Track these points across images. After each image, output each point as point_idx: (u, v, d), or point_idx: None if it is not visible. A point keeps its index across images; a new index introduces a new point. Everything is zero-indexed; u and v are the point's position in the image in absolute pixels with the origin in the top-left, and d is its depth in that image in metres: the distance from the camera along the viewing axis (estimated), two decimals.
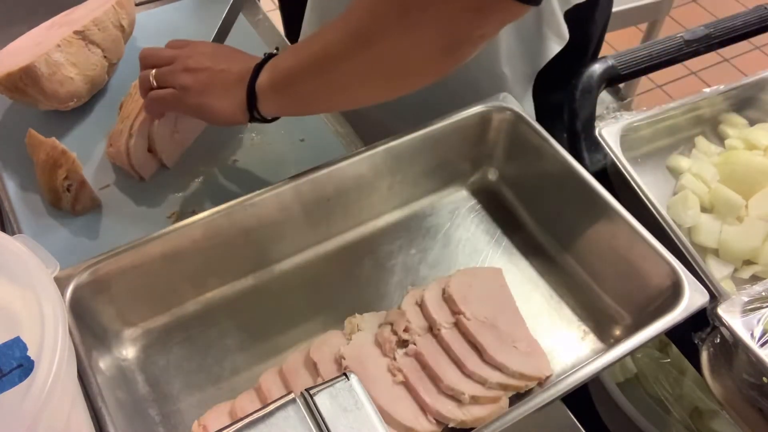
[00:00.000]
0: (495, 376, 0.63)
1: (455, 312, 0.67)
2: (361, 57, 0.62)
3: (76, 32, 0.85)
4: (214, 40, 0.87)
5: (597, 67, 0.85)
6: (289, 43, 1.03)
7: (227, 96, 0.70)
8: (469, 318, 0.66)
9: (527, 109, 0.92)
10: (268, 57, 0.69)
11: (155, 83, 0.74)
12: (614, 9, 0.99)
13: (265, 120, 0.71)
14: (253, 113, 0.70)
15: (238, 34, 1.03)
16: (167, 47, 0.77)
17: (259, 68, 0.68)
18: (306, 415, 0.41)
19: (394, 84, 0.66)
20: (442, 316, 0.67)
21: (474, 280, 0.71)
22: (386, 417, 0.60)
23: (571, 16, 0.85)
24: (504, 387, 0.63)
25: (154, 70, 0.74)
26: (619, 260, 0.71)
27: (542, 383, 0.64)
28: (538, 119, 0.79)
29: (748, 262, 0.81)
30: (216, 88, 0.70)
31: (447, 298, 0.68)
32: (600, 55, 0.90)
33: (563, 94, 0.86)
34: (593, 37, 0.94)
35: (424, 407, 0.61)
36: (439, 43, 0.59)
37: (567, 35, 0.85)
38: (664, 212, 0.76)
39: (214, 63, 0.71)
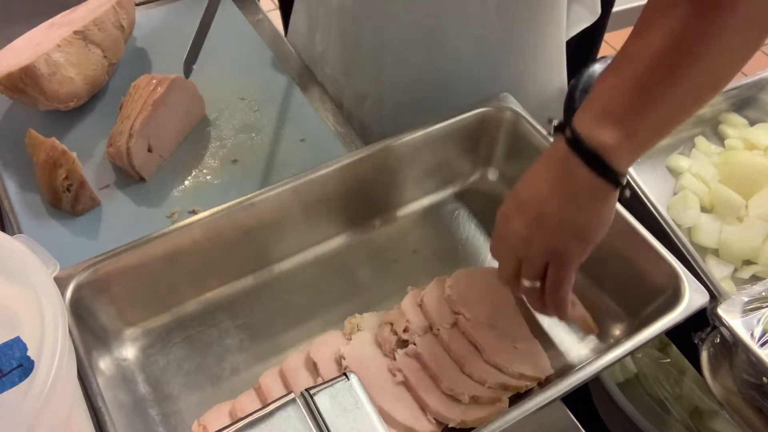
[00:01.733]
0: (495, 376, 0.63)
1: (455, 312, 0.67)
2: (707, 53, 0.52)
3: (76, 32, 0.85)
4: (191, 47, 0.85)
5: (597, 67, 0.85)
6: (289, 44, 1.03)
7: (580, 206, 0.56)
8: (468, 318, 0.66)
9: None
10: (560, 129, 0.57)
11: (537, 283, 0.61)
12: (614, 9, 0.99)
13: (624, 183, 0.57)
14: (614, 180, 0.55)
15: (238, 34, 1.03)
16: (500, 255, 0.63)
17: (576, 143, 0.54)
18: (306, 415, 0.41)
19: (734, 66, 0.55)
20: (442, 316, 0.67)
21: (474, 281, 0.71)
22: (386, 417, 0.60)
23: None
24: (504, 387, 0.63)
25: (525, 281, 0.61)
26: (619, 260, 0.71)
27: (542, 383, 0.64)
28: None
29: (748, 262, 0.81)
30: (568, 217, 0.57)
31: (447, 299, 0.68)
32: (600, 55, 0.90)
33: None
34: (600, 29, 0.94)
35: (424, 407, 0.61)
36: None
37: (599, 10, 0.85)
38: (664, 212, 0.76)
39: (537, 208, 0.58)
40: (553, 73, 0.89)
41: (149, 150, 0.81)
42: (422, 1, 0.81)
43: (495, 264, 0.75)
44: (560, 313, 0.62)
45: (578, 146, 0.54)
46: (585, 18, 0.85)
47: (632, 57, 0.54)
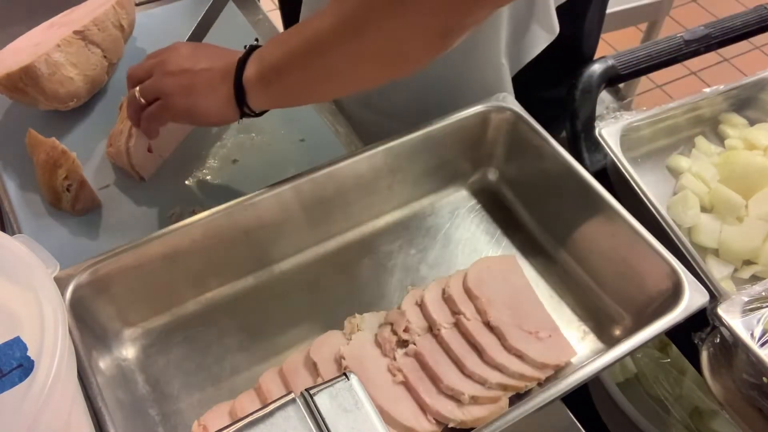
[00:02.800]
0: (495, 377, 0.63)
1: (455, 312, 0.67)
2: (353, 44, 0.61)
3: (76, 32, 0.85)
4: (189, 40, 0.87)
5: (597, 67, 0.85)
6: None
7: (214, 94, 0.68)
8: (469, 318, 0.66)
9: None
10: (251, 49, 0.68)
11: (143, 100, 0.72)
12: (614, 9, 0.99)
13: (255, 114, 0.70)
14: (243, 108, 0.69)
15: (238, 34, 1.03)
16: (146, 59, 0.75)
17: (243, 62, 0.67)
18: (306, 415, 0.41)
19: (386, 70, 0.65)
20: (442, 316, 0.67)
21: (492, 268, 0.71)
22: (386, 417, 0.60)
23: (564, 10, 0.85)
24: (504, 387, 0.63)
25: (137, 87, 0.73)
26: (619, 260, 0.71)
27: (542, 383, 0.64)
28: (532, 114, 0.79)
29: (748, 262, 0.81)
30: (200, 88, 0.69)
31: (466, 289, 0.68)
32: (600, 55, 0.89)
33: (560, 92, 0.86)
34: (587, 33, 0.94)
35: (423, 407, 0.61)
36: (432, 29, 0.58)
37: (557, 29, 0.85)
38: (664, 212, 0.76)
39: (193, 63, 0.70)
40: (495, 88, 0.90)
41: (149, 150, 0.81)
42: None
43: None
44: (146, 133, 0.76)
45: (241, 66, 0.67)
46: (542, 38, 0.85)
47: (309, 28, 0.64)
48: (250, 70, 0.66)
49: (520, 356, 0.64)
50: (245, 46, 0.69)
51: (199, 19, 0.89)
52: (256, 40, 0.77)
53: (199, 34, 0.89)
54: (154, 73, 0.71)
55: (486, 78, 0.87)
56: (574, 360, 0.68)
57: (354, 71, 0.65)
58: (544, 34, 0.85)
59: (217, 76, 0.68)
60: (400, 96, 0.90)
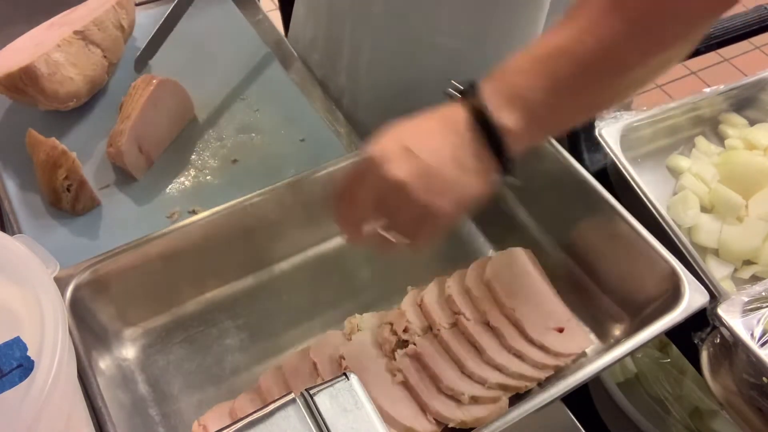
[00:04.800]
0: (495, 377, 0.63)
1: (455, 312, 0.67)
2: (647, 48, 0.52)
3: (76, 32, 0.85)
4: (149, 43, 0.84)
5: None
6: (289, 44, 1.03)
7: (464, 171, 0.54)
8: (468, 318, 0.66)
9: None
10: (464, 94, 0.54)
11: (391, 237, 0.58)
12: None
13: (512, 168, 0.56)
14: (503, 160, 0.55)
15: (238, 34, 1.03)
16: (343, 185, 0.57)
17: (480, 115, 0.53)
18: (306, 415, 0.41)
19: (675, 58, 0.56)
20: (442, 316, 0.67)
21: (510, 262, 0.71)
22: (386, 417, 0.60)
23: None
24: (504, 387, 0.63)
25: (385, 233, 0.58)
26: (619, 260, 0.71)
27: (542, 383, 0.64)
28: None
29: (748, 262, 0.81)
30: (452, 177, 0.54)
31: (447, 299, 0.68)
32: None
33: None
34: None
35: (423, 407, 0.61)
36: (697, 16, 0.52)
37: None
38: (664, 212, 0.76)
39: (419, 147, 0.53)
40: None
41: (140, 150, 0.82)
42: (397, 11, 0.81)
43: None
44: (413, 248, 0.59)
45: (482, 120, 0.53)
46: None
47: (561, 49, 0.53)
48: (512, 119, 0.53)
49: (520, 356, 0.64)
50: (448, 92, 0.58)
51: (161, 21, 0.86)
52: (472, 85, 0.56)
53: (168, 25, 0.87)
54: (391, 210, 0.55)
55: None
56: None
57: (650, 73, 0.56)
58: None
59: (452, 153, 0.54)
60: (424, 96, 0.89)
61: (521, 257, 0.73)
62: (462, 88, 0.55)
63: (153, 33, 0.86)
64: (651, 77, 0.56)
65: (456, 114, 0.54)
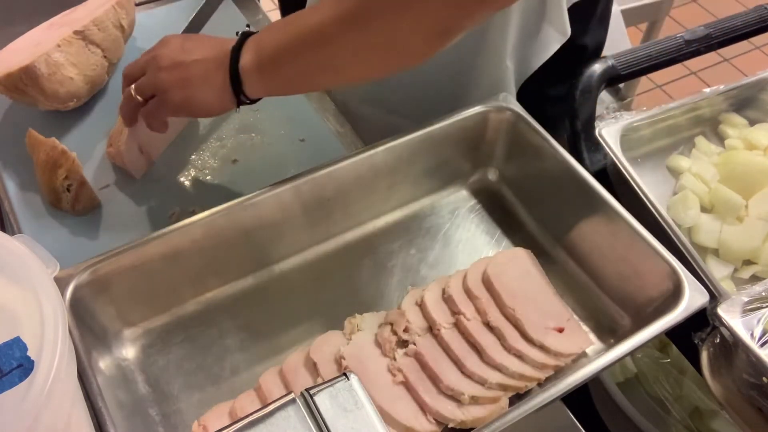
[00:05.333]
0: (495, 377, 0.63)
1: (455, 312, 0.67)
2: (355, 37, 0.62)
3: (76, 32, 0.85)
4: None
5: (597, 67, 0.85)
6: None
7: (209, 85, 0.68)
8: (469, 318, 0.66)
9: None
10: (244, 37, 0.67)
11: (139, 98, 0.72)
12: (614, 9, 0.99)
13: (251, 102, 0.70)
14: (240, 97, 0.68)
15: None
16: (141, 57, 0.75)
17: (237, 50, 0.67)
18: (306, 415, 0.41)
19: (384, 63, 0.65)
20: (441, 316, 0.67)
21: (512, 261, 0.71)
22: (386, 417, 0.60)
23: (574, 11, 0.85)
24: (504, 387, 0.63)
25: (133, 85, 0.72)
26: (619, 260, 0.71)
27: (542, 383, 0.64)
28: (539, 112, 0.79)
29: (748, 262, 0.81)
30: (195, 79, 0.68)
31: (447, 299, 0.68)
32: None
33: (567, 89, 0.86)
34: (594, 29, 0.94)
35: (423, 407, 0.61)
36: (432, 27, 0.60)
37: (569, 31, 0.85)
38: (664, 212, 0.76)
39: (186, 55, 0.69)
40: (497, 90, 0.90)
41: (140, 150, 0.82)
42: None
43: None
44: (154, 129, 0.74)
45: (235, 53, 0.67)
46: (555, 39, 0.85)
47: (308, 19, 0.64)
48: (246, 59, 0.66)
49: (520, 356, 0.64)
50: (237, 33, 0.69)
51: (192, 17, 0.88)
52: (248, 26, 0.78)
53: (191, 33, 0.89)
54: (148, 70, 0.71)
55: (491, 79, 0.87)
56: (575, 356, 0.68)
57: (353, 63, 0.65)
58: (556, 36, 0.85)
59: (211, 67, 0.68)
60: (404, 91, 0.90)
61: (521, 257, 0.73)
62: (245, 31, 0.70)
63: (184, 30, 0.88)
64: (368, 68, 0.66)
65: (228, 46, 0.67)
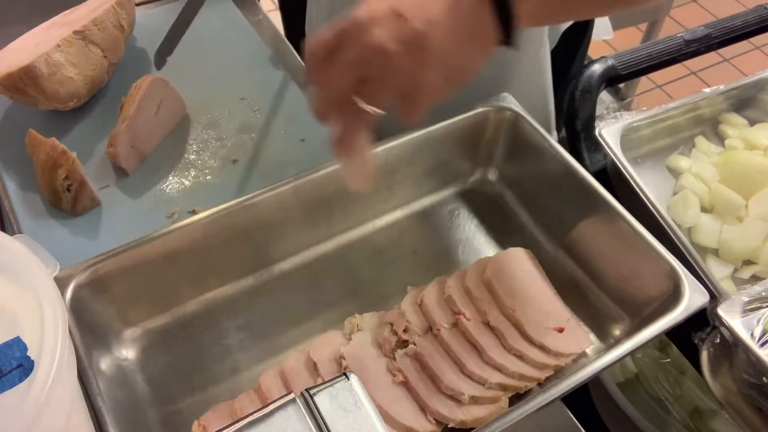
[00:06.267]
0: (495, 377, 0.63)
1: (455, 312, 0.67)
2: None
3: (76, 32, 0.85)
4: (166, 38, 0.82)
5: (597, 67, 0.85)
6: (289, 43, 1.03)
7: (466, 38, 0.48)
8: (468, 318, 0.66)
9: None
10: None
11: (372, 108, 0.50)
12: None
13: (510, 41, 0.51)
14: (507, 32, 0.50)
15: (238, 34, 1.03)
16: (320, 43, 0.50)
17: None
18: (306, 415, 0.41)
19: None
20: (442, 316, 0.67)
21: (510, 261, 0.71)
22: (386, 417, 0.60)
23: None
24: (504, 387, 0.63)
25: (362, 102, 0.50)
26: (619, 260, 0.71)
27: (542, 383, 0.64)
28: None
29: (748, 262, 0.81)
30: (449, 43, 0.48)
31: (447, 299, 0.68)
32: (600, 55, 0.89)
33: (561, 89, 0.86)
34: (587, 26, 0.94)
35: (423, 407, 0.61)
36: None
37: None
38: (664, 212, 0.76)
39: (410, 23, 0.47)
40: (536, 79, 0.89)
41: (132, 146, 0.82)
42: None
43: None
44: (411, 123, 0.52)
45: None
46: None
47: None
48: None
49: (520, 356, 0.64)
50: None
51: (174, 21, 0.84)
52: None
53: (173, 37, 0.85)
54: (371, 69, 0.48)
55: (531, 67, 0.85)
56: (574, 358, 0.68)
57: None
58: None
59: (455, 17, 0.48)
60: None
61: (521, 257, 0.73)
62: None
63: (170, 28, 0.82)
64: None
65: None
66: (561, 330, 0.67)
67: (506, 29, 0.49)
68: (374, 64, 0.48)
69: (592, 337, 0.71)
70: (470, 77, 0.51)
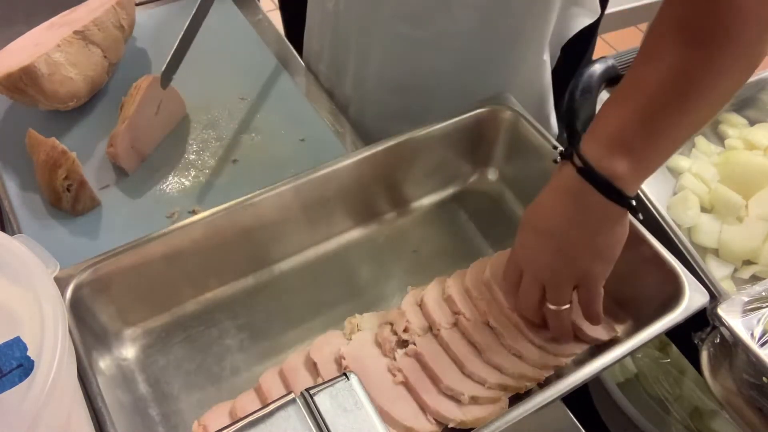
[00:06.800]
0: (495, 377, 0.63)
1: (455, 312, 0.67)
2: (707, 81, 0.55)
3: (76, 32, 0.85)
4: (173, 57, 0.83)
5: (597, 67, 0.85)
6: (289, 43, 1.03)
7: (605, 235, 0.60)
8: (468, 318, 0.66)
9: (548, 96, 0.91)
10: (565, 156, 0.59)
11: (563, 307, 0.63)
12: (614, 9, 0.99)
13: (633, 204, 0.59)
14: (629, 205, 0.59)
15: (238, 34, 1.03)
16: (508, 280, 0.65)
17: (590, 174, 0.57)
18: (306, 415, 0.41)
19: (734, 89, 0.58)
20: (442, 316, 0.67)
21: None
22: (386, 417, 0.60)
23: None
24: (503, 387, 0.63)
25: (556, 309, 0.63)
26: (619, 260, 0.71)
27: (542, 384, 0.64)
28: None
29: (748, 262, 0.81)
30: (593, 242, 0.59)
31: (447, 299, 0.68)
32: (600, 55, 0.89)
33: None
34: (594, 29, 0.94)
35: (423, 407, 0.61)
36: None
37: (599, 8, 0.85)
38: (664, 212, 0.76)
39: (568, 257, 0.60)
40: (535, 83, 0.89)
41: (132, 146, 0.82)
42: (407, 13, 0.81)
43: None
44: (594, 323, 0.66)
45: (591, 176, 0.57)
46: (586, 17, 0.85)
47: (639, 87, 0.56)
48: (621, 168, 0.56)
49: (520, 356, 0.64)
50: (555, 161, 0.61)
51: (187, 22, 0.84)
52: (561, 150, 0.62)
53: (188, 38, 0.86)
54: (535, 274, 0.62)
55: (528, 75, 0.87)
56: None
57: (710, 104, 0.58)
58: (587, 13, 0.85)
59: (589, 232, 0.59)
60: (432, 102, 0.89)
61: None
62: (561, 151, 0.60)
63: (174, 48, 0.84)
64: (728, 92, 0.58)
65: (567, 178, 0.58)
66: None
67: (628, 206, 0.58)
68: (547, 277, 0.62)
69: None
70: (619, 249, 0.61)
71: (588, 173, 0.57)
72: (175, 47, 0.82)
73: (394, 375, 0.63)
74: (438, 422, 0.61)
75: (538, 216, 0.63)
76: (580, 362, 0.67)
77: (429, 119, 0.78)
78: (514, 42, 0.83)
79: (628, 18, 1.72)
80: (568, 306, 0.63)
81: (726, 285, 0.77)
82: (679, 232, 0.74)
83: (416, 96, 0.88)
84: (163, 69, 0.81)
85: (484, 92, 0.81)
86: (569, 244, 0.60)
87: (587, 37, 0.94)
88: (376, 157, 0.76)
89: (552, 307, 0.63)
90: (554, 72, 0.91)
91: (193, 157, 0.86)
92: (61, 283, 0.61)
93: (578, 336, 0.66)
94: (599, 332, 0.67)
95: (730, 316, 0.66)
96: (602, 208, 0.58)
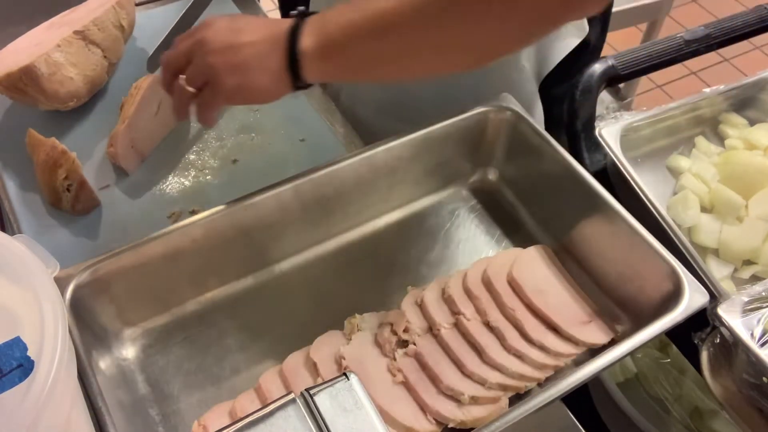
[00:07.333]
0: (494, 377, 0.63)
1: (455, 312, 0.67)
2: (433, 33, 0.57)
3: (76, 32, 0.85)
4: (156, 51, 0.84)
5: (597, 67, 0.85)
6: None
7: (264, 69, 0.62)
8: (468, 318, 0.66)
9: (537, 106, 0.92)
10: (301, 17, 0.62)
11: (191, 88, 0.65)
12: (614, 9, 0.99)
13: (307, 86, 0.64)
14: (296, 82, 0.63)
15: None
16: (179, 42, 0.67)
17: (295, 31, 0.61)
18: (306, 415, 0.41)
19: (455, 64, 0.61)
20: (441, 316, 0.67)
21: (507, 264, 0.72)
22: (386, 417, 0.60)
23: None
24: (503, 387, 0.63)
25: (182, 76, 0.66)
26: (619, 260, 0.71)
27: (542, 384, 0.64)
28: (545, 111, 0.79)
29: (748, 262, 0.81)
30: (250, 62, 0.62)
31: (446, 299, 0.68)
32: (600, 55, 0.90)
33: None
34: (598, 30, 0.94)
35: (423, 407, 0.61)
36: (518, 31, 0.57)
37: (587, 28, 0.85)
38: (664, 212, 0.76)
39: (235, 37, 0.62)
40: (522, 93, 0.90)
41: (132, 146, 0.82)
42: None
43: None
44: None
45: (293, 35, 0.61)
46: (574, 36, 0.85)
47: (380, 5, 0.58)
48: (308, 42, 0.60)
49: (520, 356, 0.65)
50: (292, 12, 0.64)
51: (178, 18, 0.86)
52: (305, 6, 0.67)
53: (182, 26, 0.86)
54: (195, 56, 0.64)
55: (506, 81, 0.87)
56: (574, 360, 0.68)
57: (422, 59, 0.61)
58: (575, 32, 0.84)
59: (265, 49, 0.62)
60: (417, 102, 0.89)
61: (542, 255, 0.74)
62: (301, 10, 0.65)
63: (167, 33, 0.84)
64: (437, 66, 0.62)
65: (284, 27, 0.62)
66: (588, 322, 0.68)
67: (294, 79, 0.63)
68: (197, 50, 0.64)
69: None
70: (254, 98, 0.66)
71: (294, 31, 0.61)
72: (167, 33, 0.83)
73: (394, 375, 0.63)
74: (438, 422, 0.61)
75: (247, 18, 0.66)
76: (580, 362, 0.67)
77: (428, 119, 0.78)
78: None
79: (628, 18, 1.72)
80: (190, 90, 0.65)
81: (726, 285, 0.77)
82: (679, 232, 0.74)
83: (407, 87, 0.89)
84: (151, 53, 0.82)
85: (467, 97, 0.82)
86: (240, 45, 0.62)
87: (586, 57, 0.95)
88: (376, 157, 0.76)
89: (182, 81, 0.65)
90: (550, 89, 0.91)
91: (193, 157, 0.86)
92: (61, 283, 0.61)
93: (548, 354, 0.66)
94: (596, 337, 0.67)
95: (730, 316, 0.66)
96: (278, 58, 0.61)
